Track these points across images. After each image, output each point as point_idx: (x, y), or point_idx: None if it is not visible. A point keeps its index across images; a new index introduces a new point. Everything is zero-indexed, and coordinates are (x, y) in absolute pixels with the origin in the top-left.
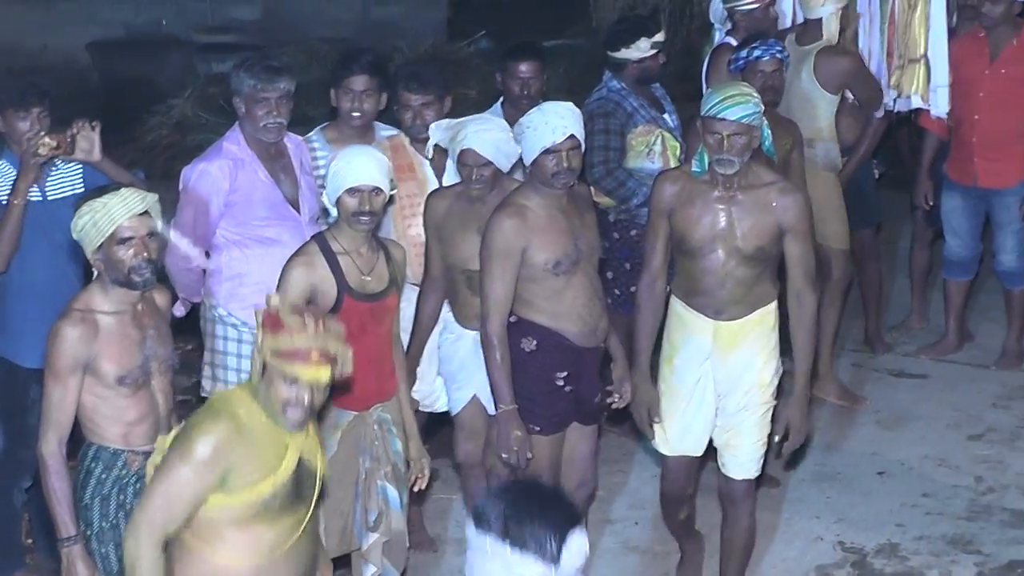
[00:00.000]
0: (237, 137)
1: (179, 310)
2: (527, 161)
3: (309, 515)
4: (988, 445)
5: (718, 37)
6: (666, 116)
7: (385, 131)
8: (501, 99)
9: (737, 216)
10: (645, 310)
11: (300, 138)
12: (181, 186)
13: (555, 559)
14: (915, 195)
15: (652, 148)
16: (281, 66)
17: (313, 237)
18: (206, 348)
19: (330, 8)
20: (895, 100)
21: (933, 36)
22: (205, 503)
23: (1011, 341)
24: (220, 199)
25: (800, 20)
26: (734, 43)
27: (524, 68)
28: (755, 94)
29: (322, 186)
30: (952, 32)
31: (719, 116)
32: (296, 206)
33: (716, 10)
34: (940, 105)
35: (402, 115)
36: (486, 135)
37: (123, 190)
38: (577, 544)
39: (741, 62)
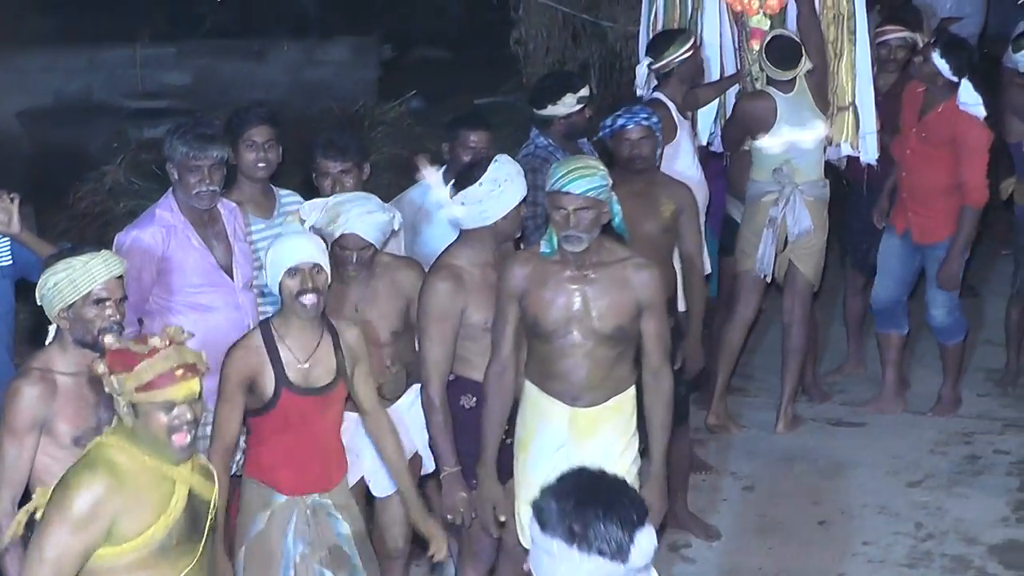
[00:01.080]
0: (170, 204)
1: None
2: (497, 216)
3: (203, 546)
4: (927, 491)
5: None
6: None
7: (287, 197)
8: (444, 166)
9: (592, 296)
10: (493, 400)
11: (234, 204)
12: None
13: (625, 557)
14: (874, 214)
15: None
16: (214, 133)
17: (259, 324)
18: None
19: (260, 71)
20: (825, 149)
21: (860, 83)
22: (95, 555)
23: (947, 389)
24: (153, 266)
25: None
26: (664, 98)
27: (475, 137)
28: (602, 167)
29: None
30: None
31: (564, 190)
32: (230, 272)
33: (641, 76)
34: (869, 152)
35: (321, 182)
36: (369, 218)
37: (103, 251)
38: (646, 540)
39: (607, 130)
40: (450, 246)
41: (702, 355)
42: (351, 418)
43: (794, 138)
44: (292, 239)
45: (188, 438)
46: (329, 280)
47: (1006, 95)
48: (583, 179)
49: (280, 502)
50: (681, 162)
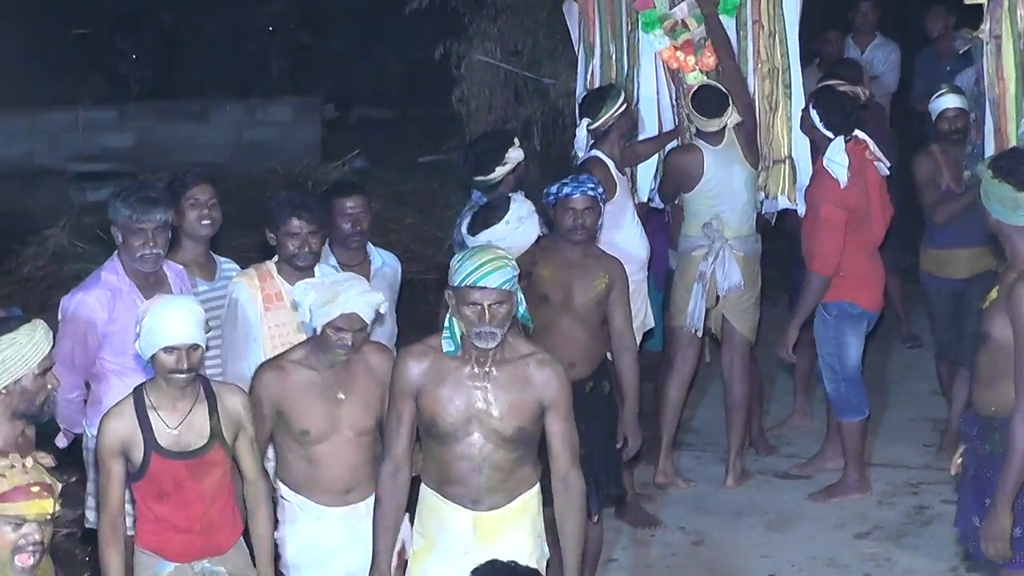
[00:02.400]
0: (115, 266)
1: (61, 441)
2: (519, 252)
3: None
4: (875, 542)
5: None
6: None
7: (226, 264)
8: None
9: (494, 394)
10: (387, 503)
11: (180, 266)
12: (60, 317)
13: None
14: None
15: None
16: (157, 196)
17: (133, 390)
18: (89, 479)
19: (203, 132)
20: (762, 202)
21: (796, 136)
22: None
23: (848, 470)
24: (99, 329)
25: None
26: (601, 155)
27: (351, 204)
28: (509, 256)
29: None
30: None
31: (478, 284)
32: None
33: (580, 139)
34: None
35: (287, 241)
36: (368, 297)
37: (38, 321)
38: None
39: (551, 198)
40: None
41: (640, 432)
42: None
43: (723, 191)
44: (173, 313)
45: (31, 560)
46: (204, 353)
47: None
48: (497, 271)
49: (168, 570)
50: (621, 218)
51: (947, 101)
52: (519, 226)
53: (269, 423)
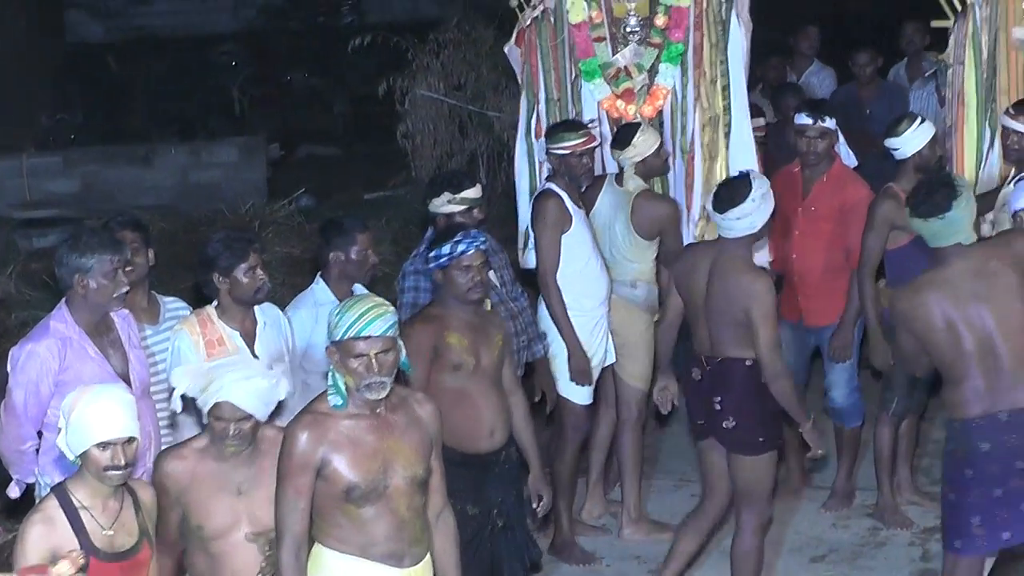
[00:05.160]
0: (63, 315)
1: (13, 491)
2: None
3: None
4: (831, 566)
5: (538, 184)
6: (491, 274)
7: (172, 304)
8: (320, 273)
9: (399, 440)
10: None
11: (126, 312)
12: (9, 367)
13: None
14: None
15: None
16: (111, 236)
17: (53, 490)
18: None
19: (148, 176)
20: None
21: None
22: None
23: (841, 480)
24: (50, 379)
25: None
26: (556, 189)
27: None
28: (387, 302)
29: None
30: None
31: (363, 335)
32: (128, 380)
33: (541, 151)
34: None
35: (243, 279)
36: (247, 385)
37: None
38: None
39: (445, 259)
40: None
41: (549, 487)
42: None
43: (604, 230)
44: (105, 406)
45: None
46: (138, 447)
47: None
48: (379, 319)
49: None
50: (578, 251)
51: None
52: (762, 203)
53: (175, 515)
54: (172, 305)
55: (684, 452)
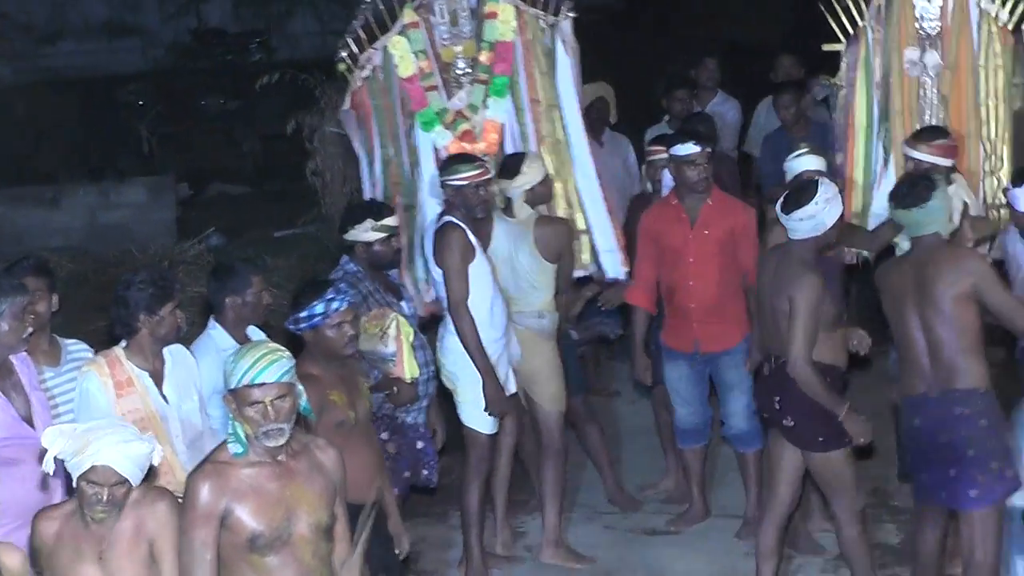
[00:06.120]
0: None
1: None
2: None
3: None
4: None
5: (432, 214)
6: (403, 303)
7: (74, 346)
8: (213, 318)
9: (302, 487)
10: None
11: (24, 354)
12: None
13: None
14: (635, 372)
15: (386, 332)
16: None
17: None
18: None
19: (56, 217)
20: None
21: (588, 208)
22: None
23: (752, 507)
24: None
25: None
26: (456, 220)
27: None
28: (283, 348)
29: None
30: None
31: (257, 382)
32: (31, 423)
33: (433, 185)
34: (612, 268)
35: (162, 324)
36: (125, 448)
37: None
38: None
39: (319, 318)
40: None
41: (405, 536)
42: None
43: (506, 264)
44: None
45: None
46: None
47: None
48: (273, 365)
49: None
50: (479, 282)
51: (805, 163)
52: (827, 206)
53: None
54: (73, 347)
55: (598, 485)
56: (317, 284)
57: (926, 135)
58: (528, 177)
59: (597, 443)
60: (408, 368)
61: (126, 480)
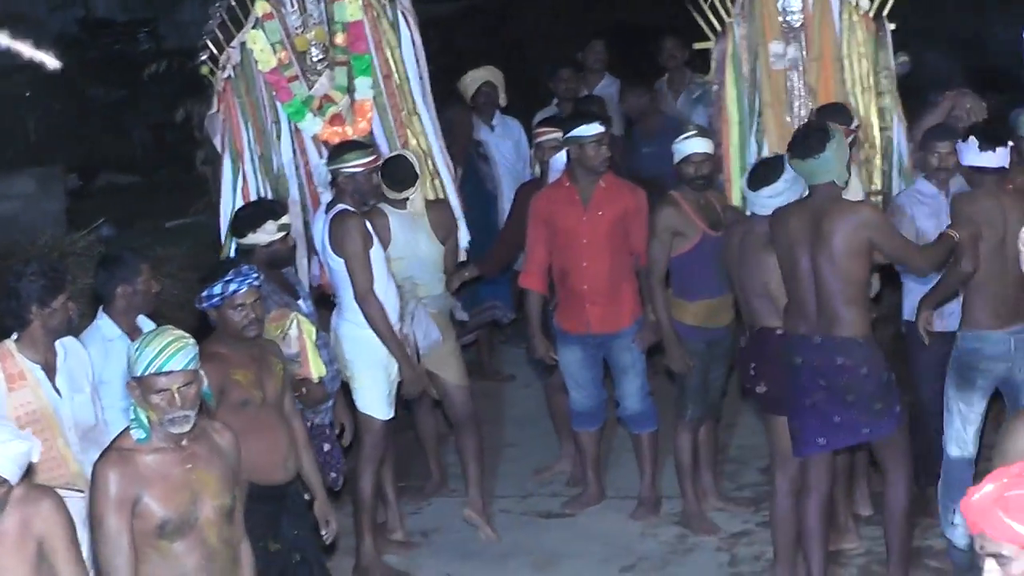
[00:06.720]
0: None
1: None
2: None
3: None
4: (641, 574)
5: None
6: (300, 302)
7: None
8: (102, 308)
9: (205, 471)
10: None
11: None
12: None
13: None
14: (536, 352)
15: (287, 333)
16: None
17: None
18: None
19: None
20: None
21: (445, 177)
22: None
23: (646, 488)
24: None
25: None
26: (351, 208)
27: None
28: (188, 335)
29: None
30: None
31: (164, 370)
32: None
33: (320, 174)
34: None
35: (54, 316)
36: (4, 448)
37: None
38: None
39: (217, 299)
40: None
41: (334, 514)
42: None
43: (408, 254)
44: None
45: None
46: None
47: None
48: (180, 352)
49: None
50: (379, 267)
51: (693, 145)
52: (795, 183)
53: None
54: None
55: (492, 470)
56: (223, 264)
57: (828, 119)
58: (418, 183)
59: (430, 428)
60: (314, 367)
61: (5, 480)
